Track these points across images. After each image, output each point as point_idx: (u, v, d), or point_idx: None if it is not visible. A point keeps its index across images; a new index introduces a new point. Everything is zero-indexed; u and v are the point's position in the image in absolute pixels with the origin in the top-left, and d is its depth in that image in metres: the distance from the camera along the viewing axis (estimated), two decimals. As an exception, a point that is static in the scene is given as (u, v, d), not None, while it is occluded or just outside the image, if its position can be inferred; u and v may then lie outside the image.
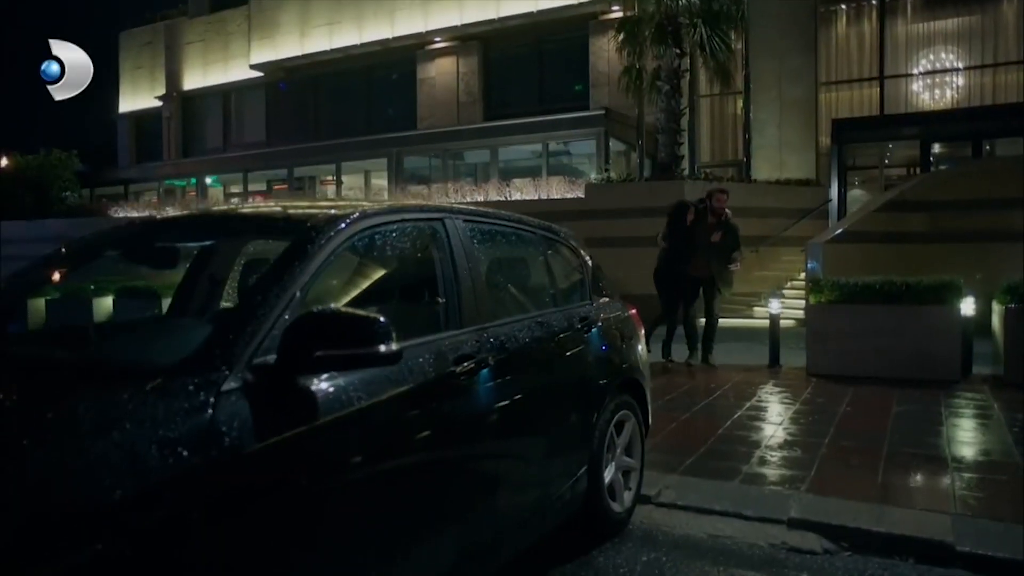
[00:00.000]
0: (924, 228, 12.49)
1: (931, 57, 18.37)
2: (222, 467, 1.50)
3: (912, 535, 3.16)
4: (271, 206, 2.55)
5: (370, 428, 1.91)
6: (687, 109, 15.34)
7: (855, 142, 16.83)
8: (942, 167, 16.47)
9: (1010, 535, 3.09)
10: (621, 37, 14.49)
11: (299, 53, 22.53)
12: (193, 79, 25.59)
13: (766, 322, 12.05)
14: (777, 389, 6.30)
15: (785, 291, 13.68)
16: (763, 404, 5.76)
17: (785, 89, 17.67)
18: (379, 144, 18.85)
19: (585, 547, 3.18)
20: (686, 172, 15.28)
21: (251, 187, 22.76)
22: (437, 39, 20.88)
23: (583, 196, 14.61)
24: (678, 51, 13.80)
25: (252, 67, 23.57)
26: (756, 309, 13.59)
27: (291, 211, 2.33)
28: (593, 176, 16.34)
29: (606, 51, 18.96)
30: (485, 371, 2.37)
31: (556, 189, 15.21)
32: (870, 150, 17.88)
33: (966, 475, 3.88)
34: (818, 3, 17.80)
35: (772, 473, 3.99)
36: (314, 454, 1.74)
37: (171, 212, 21.09)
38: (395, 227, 2.37)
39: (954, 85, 18.08)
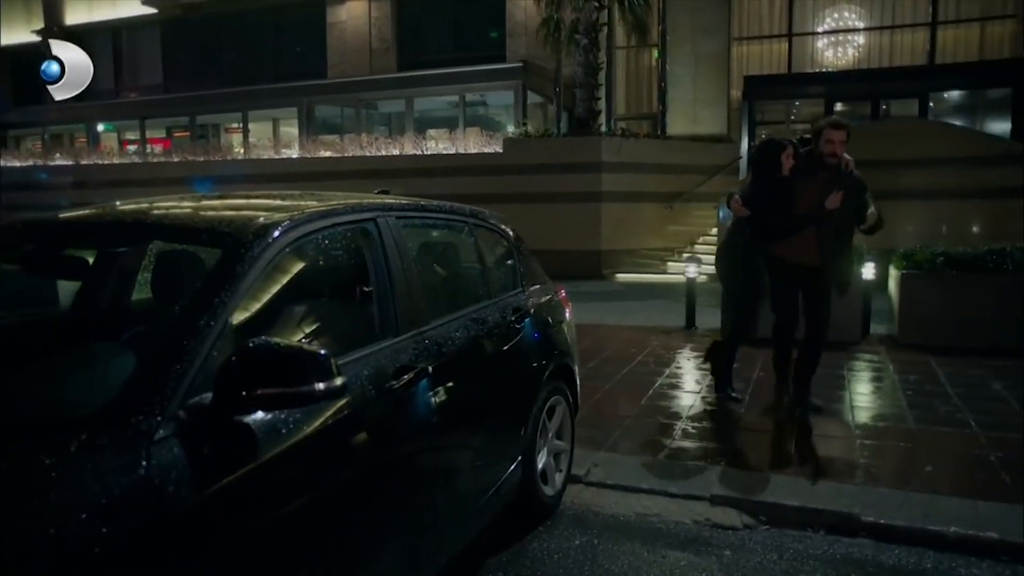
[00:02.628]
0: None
1: (835, 16, 18.92)
2: (162, 530, 1.41)
3: (821, 507, 3.37)
4: (194, 204, 2.34)
5: (313, 456, 1.85)
6: (604, 63, 15.32)
7: (765, 99, 17.30)
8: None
9: (909, 503, 3.34)
10: (540, -13, 14.19)
11: (197, -11, 21.03)
12: (77, 13, 23.52)
13: (680, 278, 12.53)
14: (694, 353, 6.52)
15: (697, 246, 14.13)
16: (682, 371, 5.97)
17: (699, 43, 17.89)
18: (289, 92, 17.98)
19: (519, 534, 3.23)
20: (603, 127, 15.34)
21: (149, 134, 21.34)
22: (348, -21, 19.92)
23: (500, 151, 14.47)
24: (597, 4, 13.66)
25: (144, 2, 21.85)
26: (669, 264, 14.00)
27: (217, 216, 2.17)
28: (511, 130, 16.19)
29: (523, 0, 18.59)
30: (424, 381, 2.33)
31: (473, 143, 14.98)
32: (778, 107, 18.41)
33: (868, 442, 4.15)
34: (732, -43, 17.96)
35: (694, 447, 4.15)
36: (257, 494, 1.66)
37: (61, 162, 19.63)
38: (328, 232, 2.25)
39: (855, 44, 18.74)
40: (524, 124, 15.38)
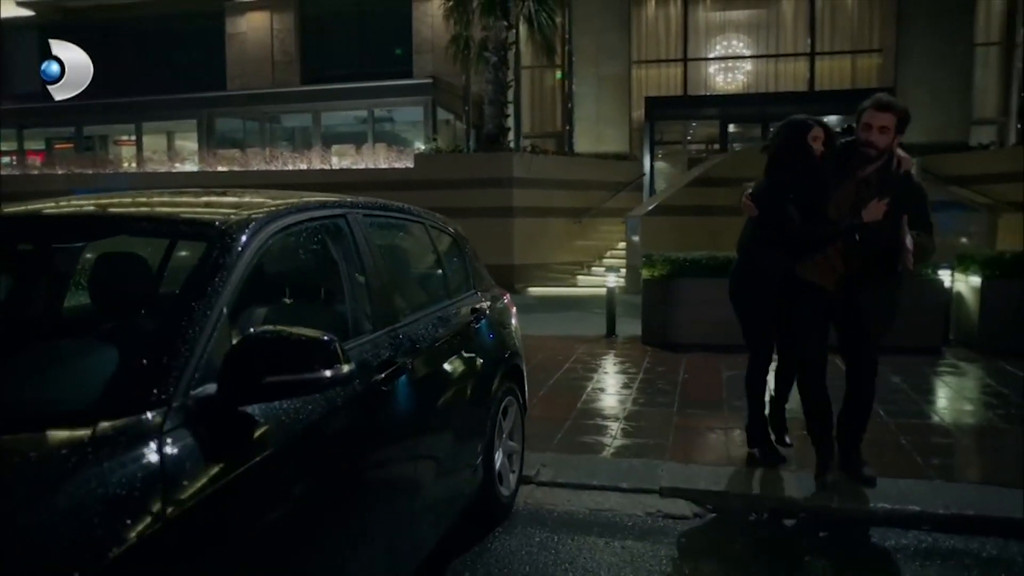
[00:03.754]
0: (726, 202, 13.73)
1: (725, 44, 20.11)
2: (176, 521, 1.34)
3: (761, 494, 3.56)
4: (165, 200, 2.24)
5: (312, 447, 1.81)
6: (513, 81, 15.59)
7: (665, 119, 18.10)
8: (735, 146, 18.22)
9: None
10: (449, 4, 14.31)
11: (82, -7, 19.90)
12: (-59, 13, 21.69)
13: (590, 290, 12.90)
14: (619, 359, 6.72)
15: (605, 260, 14.54)
16: (611, 375, 6.13)
17: (602, 65, 18.51)
18: (189, 104, 17.24)
19: (479, 534, 3.23)
20: (514, 144, 15.58)
21: (27, 145, 19.89)
22: (247, -10, 19.39)
23: (412, 166, 14.42)
24: (506, 23, 13.92)
25: (20, 4, 20.45)
26: (579, 278, 14.35)
27: (195, 210, 2.09)
28: (420, 145, 16.17)
29: (430, 17, 18.67)
30: (404, 376, 2.32)
31: (383, 158, 14.87)
32: (675, 127, 19.32)
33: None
34: (631, -16, 18.77)
35: (637, 444, 4.28)
36: (261, 484, 1.61)
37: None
38: (305, 226, 2.21)
39: (744, 70, 19.95)
40: (434, 140, 15.41)
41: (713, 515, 3.47)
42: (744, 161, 14.59)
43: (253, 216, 1.97)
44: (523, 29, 15.16)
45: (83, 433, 1.32)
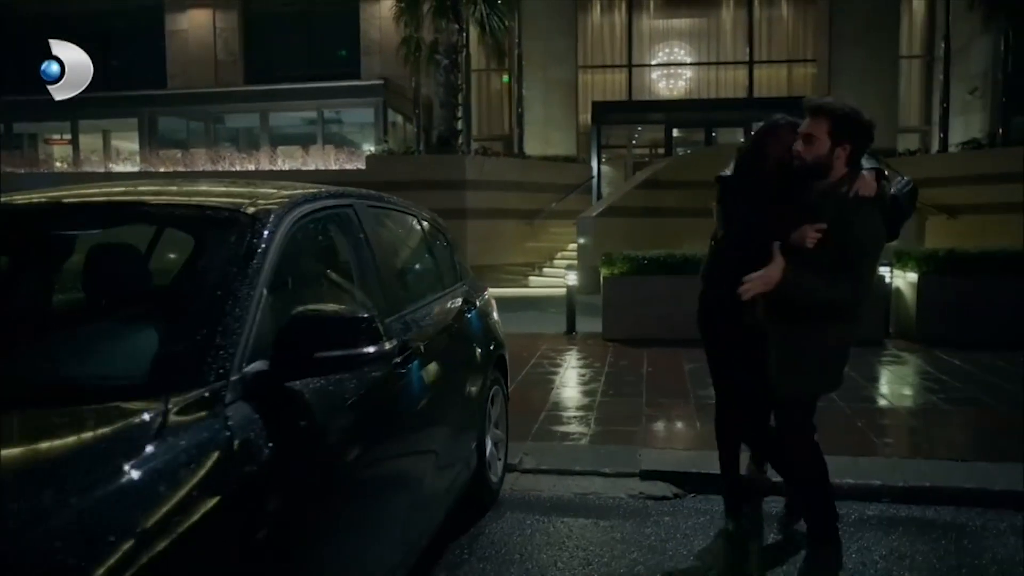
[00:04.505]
0: (673, 204, 14.16)
1: (668, 51, 20.69)
2: (243, 487, 1.41)
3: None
4: (181, 189, 2.26)
5: (345, 425, 1.89)
6: (463, 84, 15.70)
7: (611, 123, 18.49)
8: (678, 150, 18.76)
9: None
10: (400, 6, 14.33)
11: (10, -14, 19.05)
12: None
13: (542, 291, 13.09)
14: (583, 355, 6.89)
15: (556, 261, 14.77)
16: (577, 369, 6.29)
17: (549, 70, 18.81)
18: (129, 101, 16.72)
19: (471, 519, 3.32)
20: (464, 146, 15.67)
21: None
22: (189, -14, 18.95)
23: (363, 167, 14.36)
24: (458, 26, 14.02)
25: (-61, -6, 19.45)
26: (531, 279, 14.53)
27: (222, 198, 2.13)
28: (372, 147, 16.14)
29: (378, 19, 18.63)
30: (416, 361, 2.40)
31: (334, 160, 14.77)
32: (622, 131, 19.75)
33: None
34: (578, -11, 19.13)
35: (613, 431, 4.44)
36: (309, 460, 1.68)
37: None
38: (320, 214, 2.27)
39: (686, 77, 20.56)
40: (385, 141, 15.38)
41: (691, 495, 3.64)
42: (690, 165, 15.05)
43: (279, 203, 2.04)
44: (474, 32, 15.31)
45: (161, 404, 1.37)
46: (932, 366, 6.12)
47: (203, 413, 1.42)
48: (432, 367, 2.56)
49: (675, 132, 18.96)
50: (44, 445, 1.29)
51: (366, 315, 1.71)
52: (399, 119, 18.39)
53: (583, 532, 3.25)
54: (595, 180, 17.24)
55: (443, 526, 2.92)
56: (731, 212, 3.01)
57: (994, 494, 3.48)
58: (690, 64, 20.42)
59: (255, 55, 19.48)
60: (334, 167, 14.55)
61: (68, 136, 18.80)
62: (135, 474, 1.19)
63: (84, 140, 18.61)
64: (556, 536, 3.20)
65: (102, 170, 16.06)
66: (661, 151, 19.11)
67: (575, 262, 13.49)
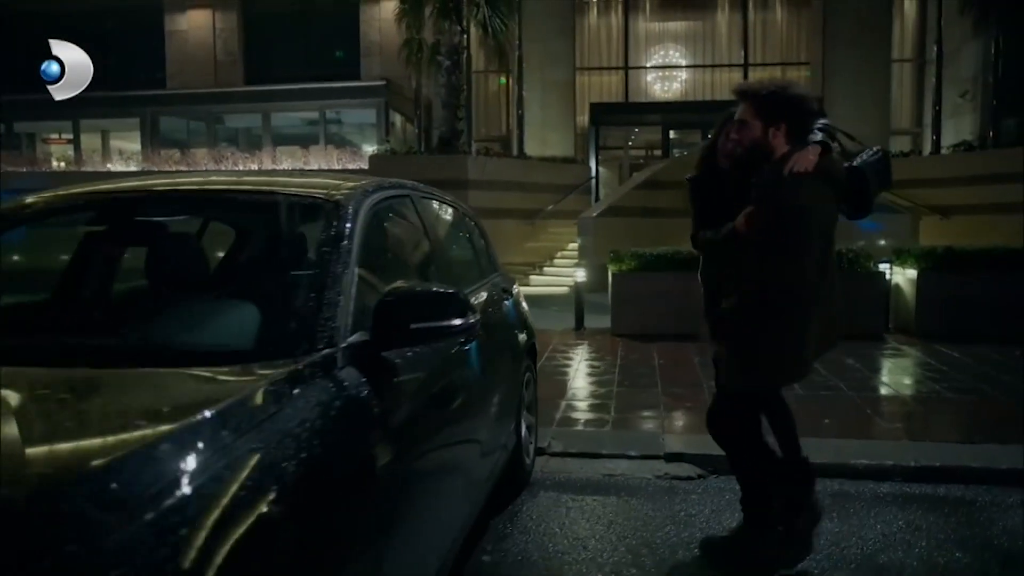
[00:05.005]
0: (672, 204, 14.36)
1: (663, 53, 20.92)
2: (355, 441, 1.58)
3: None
4: (265, 179, 2.42)
5: (425, 394, 2.05)
6: (465, 85, 15.86)
7: (609, 124, 18.69)
8: (675, 152, 18.98)
9: (829, 447, 3.99)
10: (403, 8, 14.47)
11: (9, -15, 19.06)
12: None
13: (544, 290, 13.25)
14: (594, 349, 7.07)
15: (556, 260, 14.95)
16: (591, 362, 6.48)
17: (547, 71, 18.98)
18: (131, 101, 16.79)
19: (508, 499, 3.48)
20: (466, 146, 15.83)
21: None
22: (189, -13, 19.04)
23: (366, 167, 14.50)
24: (460, 27, 14.18)
25: (-60, -6, 19.43)
26: (532, 277, 14.69)
27: (297, 187, 2.29)
28: (372, 147, 16.26)
29: (377, 20, 18.77)
30: (476, 341, 2.57)
31: (337, 159, 14.89)
32: (619, 132, 19.96)
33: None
34: (575, -8, 19.33)
35: (634, 418, 4.63)
36: (401, 421, 1.85)
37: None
38: (387, 202, 2.44)
39: (682, 80, 20.80)
40: (387, 141, 15.51)
41: (715, 475, 3.83)
42: (688, 166, 15.27)
43: (356, 192, 2.20)
44: (474, 34, 15.47)
45: (293, 366, 1.53)
46: (933, 358, 6.33)
47: (322, 374, 1.58)
48: (485, 348, 2.73)
49: (672, 133, 19.19)
50: (219, 392, 1.43)
51: (453, 291, 1.88)
52: (397, 119, 18.52)
53: (616, 509, 3.42)
54: (594, 181, 17.43)
55: (485, 504, 3.09)
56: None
57: (1000, 472, 3.69)
58: (686, 66, 20.65)
59: (254, 56, 19.56)
60: (336, 167, 14.69)
61: (67, 136, 18.84)
62: (285, 414, 1.36)
63: (83, 140, 18.65)
64: (590, 512, 3.38)
65: (102, 169, 16.12)
66: (657, 153, 19.34)
67: (573, 262, 13.73)
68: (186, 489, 1.05)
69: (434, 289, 1.86)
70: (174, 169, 15.12)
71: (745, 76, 20.07)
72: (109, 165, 16.53)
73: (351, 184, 2.33)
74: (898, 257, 7.68)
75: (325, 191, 2.17)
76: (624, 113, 19.22)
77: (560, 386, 5.47)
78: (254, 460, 1.21)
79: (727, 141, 2.78)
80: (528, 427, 3.82)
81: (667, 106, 19.43)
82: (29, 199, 2.20)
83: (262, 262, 2.09)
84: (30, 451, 1.21)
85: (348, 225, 2.00)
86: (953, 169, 14.35)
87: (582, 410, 4.85)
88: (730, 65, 20.21)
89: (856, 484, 3.68)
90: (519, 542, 3.07)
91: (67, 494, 0.99)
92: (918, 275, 7.34)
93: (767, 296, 2.58)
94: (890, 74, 19.20)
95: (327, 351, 1.65)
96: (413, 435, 1.92)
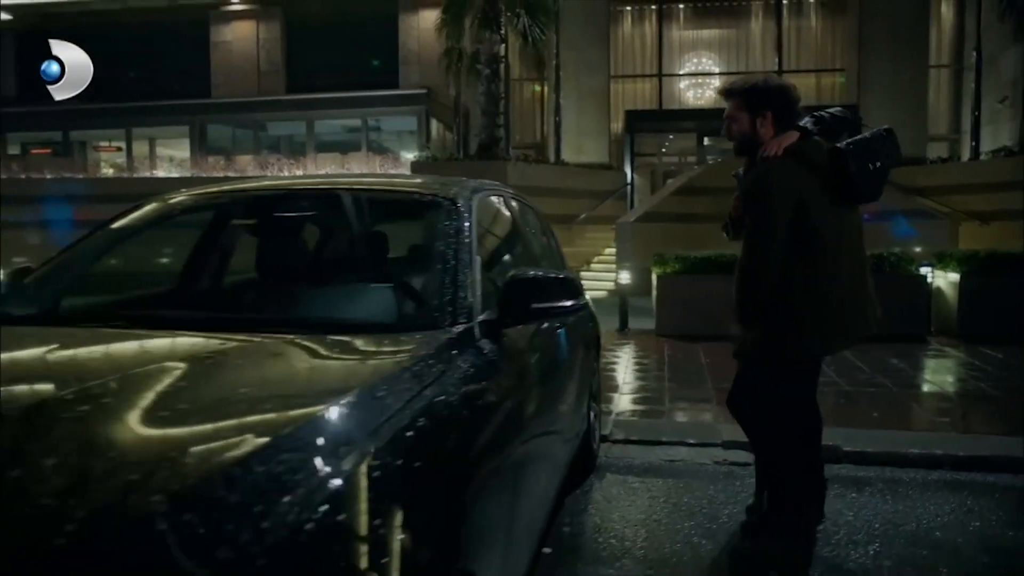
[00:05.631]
0: (707, 210, 14.53)
1: (697, 60, 21.10)
2: (493, 393, 1.85)
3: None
4: (373, 181, 2.71)
5: (533, 369, 2.32)
6: (504, 93, 16.19)
7: (644, 131, 18.90)
8: (709, 158, 19.11)
9: (879, 438, 4.19)
10: (446, 19, 14.86)
11: None
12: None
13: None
14: (640, 348, 7.30)
15: (592, 265, 15.19)
16: (640, 360, 6.71)
17: (582, 80, 19.25)
18: (180, 110, 17.40)
19: (578, 480, 3.74)
20: (505, 152, 16.16)
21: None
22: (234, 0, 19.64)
23: (408, 173, 14.88)
24: (500, 37, 14.52)
25: (-1, 8, 20.32)
26: (569, 282, 14.93)
27: (411, 188, 2.59)
28: (411, 154, 16.64)
29: (416, 30, 19.21)
30: (564, 327, 2.84)
31: (379, 165, 15.30)
32: (654, 139, 20.16)
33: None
34: (610, 2, 19.58)
35: (689, 409, 4.86)
36: (522, 388, 2.12)
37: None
38: (488, 199, 2.73)
39: (716, 87, 20.93)
40: (427, 148, 15.88)
41: (770, 462, 4.04)
42: (723, 172, 15.44)
43: (463, 190, 2.48)
44: (512, 42, 15.79)
45: (448, 335, 1.81)
46: (976, 359, 6.46)
47: (468, 342, 1.86)
48: (570, 335, 2.99)
49: (706, 140, 19.33)
50: (402, 353, 1.70)
51: (566, 275, 2.15)
52: (435, 126, 18.92)
53: (680, 490, 3.66)
54: (630, 187, 17.65)
55: (565, 477, 3.35)
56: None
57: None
58: (719, 73, 20.79)
59: (296, 65, 20.12)
60: (379, 173, 15.07)
61: (116, 143, 19.51)
62: (452, 369, 1.64)
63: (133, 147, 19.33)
64: (657, 492, 3.62)
65: (151, 175, 16.71)
66: (691, 159, 19.49)
67: (610, 267, 13.95)
68: (405, 420, 1.33)
69: (551, 274, 2.13)
70: (221, 175, 15.64)
71: (779, 83, 20.15)
72: (158, 172, 17.11)
73: (456, 184, 2.61)
74: (940, 260, 7.80)
75: (441, 190, 2.45)
76: (659, 120, 19.42)
77: (613, 381, 5.71)
78: (440, 401, 1.48)
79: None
80: (595, 414, 4.08)
81: (701, 113, 19.56)
82: (175, 197, 2.52)
83: (400, 251, 2.38)
84: (260, 393, 1.49)
85: (467, 218, 2.28)
86: (992, 175, 14.32)
87: (637, 402, 5.09)
88: (764, 72, 20.28)
89: (907, 472, 3.87)
90: (594, 516, 3.33)
91: (320, 418, 1.26)
92: (960, 278, 7.47)
93: (741, 277, 2.69)
94: (927, 80, 19.16)
95: (466, 325, 1.93)
96: (527, 401, 2.19)
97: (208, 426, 1.19)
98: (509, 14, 14.37)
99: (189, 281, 2.52)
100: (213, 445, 1.10)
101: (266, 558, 0.87)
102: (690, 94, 20.93)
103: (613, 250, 14.12)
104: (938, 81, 19.91)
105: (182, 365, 1.51)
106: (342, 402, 1.27)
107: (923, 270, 7.71)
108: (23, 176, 16.75)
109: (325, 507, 0.98)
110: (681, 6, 20.75)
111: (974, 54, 16.28)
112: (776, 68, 20.24)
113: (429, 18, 17.24)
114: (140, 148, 19.63)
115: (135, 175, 16.65)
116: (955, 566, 2.86)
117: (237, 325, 1.89)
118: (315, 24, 20.02)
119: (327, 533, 0.96)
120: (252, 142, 18.24)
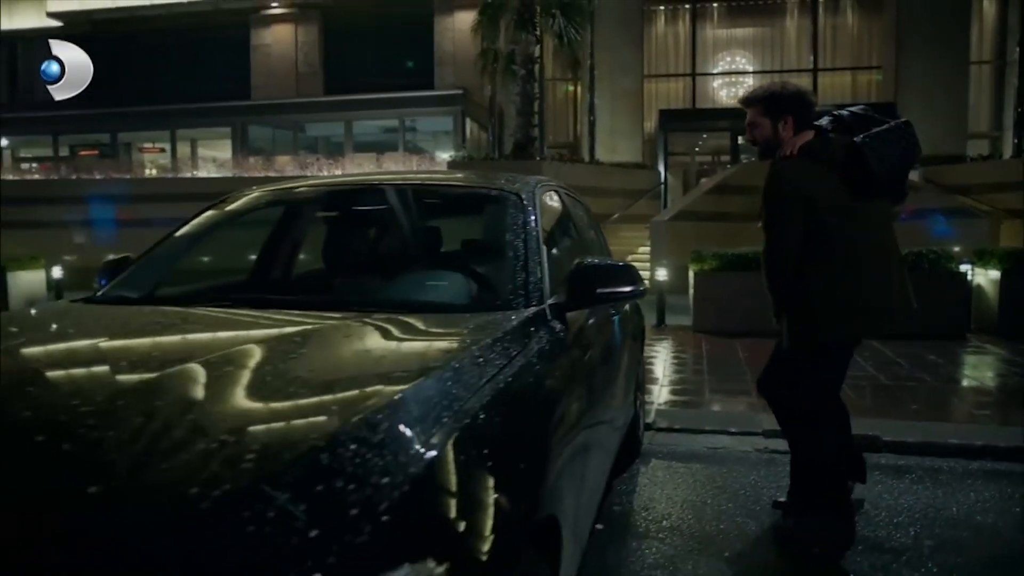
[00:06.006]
0: (740, 209, 14.56)
1: (730, 60, 21.06)
2: (570, 368, 2.03)
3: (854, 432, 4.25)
4: (435, 177, 2.91)
5: (593, 351, 2.49)
6: (539, 93, 16.37)
7: (678, 131, 18.93)
8: (743, 157, 19.06)
9: (917, 428, 4.28)
10: (482, 20, 15.07)
11: (111, 5, 20.48)
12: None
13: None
14: (678, 343, 7.42)
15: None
16: (679, 354, 6.84)
17: (616, 80, 19.35)
18: (223, 112, 17.88)
19: (623, 465, 3.89)
20: (539, 152, 16.33)
21: (39, 152, 20.42)
22: (274, 4, 20.08)
23: (466, 172, 15.13)
24: (535, 38, 14.69)
25: (50, 15, 21.03)
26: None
27: (482, 182, 2.78)
28: (446, 153, 16.89)
29: (451, 31, 19.47)
30: (619, 315, 3.01)
31: (416, 165, 15.56)
32: (687, 138, 20.17)
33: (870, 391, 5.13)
34: (644, 2, 19.64)
35: (729, 399, 4.98)
36: (587, 365, 2.30)
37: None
38: (546, 193, 2.90)
39: (749, 86, 20.86)
40: (463, 148, 16.11)
41: (811, 451, 4.16)
42: (757, 171, 15.41)
43: (526, 186, 2.66)
44: (547, 43, 15.96)
45: (525, 313, 1.99)
46: (1018, 356, 6.47)
47: (543, 320, 2.04)
48: (622, 323, 3.16)
49: (740, 139, 19.28)
50: (488, 327, 1.89)
51: (625, 263, 2.32)
52: (470, 126, 19.16)
53: (723, 475, 3.79)
54: (663, 186, 17.70)
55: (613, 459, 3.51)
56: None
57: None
58: (753, 72, 20.74)
59: (333, 67, 20.52)
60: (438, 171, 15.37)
61: (159, 144, 20.08)
62: (535, 341, 1.83)
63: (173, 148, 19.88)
64: (701, 477, 3.76)
65: (190, 175, 17.18)
66: (724, 159, 19.46)
67: (651, 262, 14.05)
68: (501, 382, 1.51)
69: (613, 262, 2.30)
70: (262, 175, 16.03)
71: (814, 81, 20.06)
72: (200, 172, 17.59)
73: (519, 179, 2.79)
74: (980, 258, 7.79)
75: (507, 185, 2.63)
76: (693, 119, 19.44)
77: (653, 374, 5.85)
78: (527, 367, 1.66)
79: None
80: (640, 403, 4.24)
81: (735, 112, 19.43)
82: (265, 193, 2.75)
83: (475, 239, 2.59)
84: (387, 357, 1.68)
85: (532, 211, 2.46)
86: (1033, 172, 14.13)
87: (679, 393, 5.23)
88: (799, 70, 20.20)
89: (946, 461, 3.96)
90: (643, 497, 3.48)
91: (433, 380, 1.44)
92: (1001, 276, 7.45)
93: (763, 270, 2.92)
94: (967, 77, 18.89)
95: (539, 307, 2.11)
96: (592, 376, 2.36)
97: (336, 389, 1.39)
98: (544, 15, 14.54)
99: (285, 268, 2.74)
100: (344, 403, 1.30)
101: (389, 505, 0.98)
102: (723, 93, 20.91)
103: (647, 248, 14.22)
104: (979, 77, 19.62)
105: (298, 338, 1.72)
106: (453, 364, 1.46)
107: (963, 268, 7.70)
108: (74, 177, 17.33)
109: (451, 441, 1.17)
110: (715, 5, 20.75)
111: (1016, 49, 16.05)
112: (811, 66, 20.16)
113: (464, 20, 17.48)
114: (183, 149, 20.19)
115: (178, 175, 17.13)
116: (995, 547, 2.97)
117: (347, 306, 2.10)
118: (352, 27, 20.40)
119: (443, 468, 1.14)
120: (291, 143, 18.65)
